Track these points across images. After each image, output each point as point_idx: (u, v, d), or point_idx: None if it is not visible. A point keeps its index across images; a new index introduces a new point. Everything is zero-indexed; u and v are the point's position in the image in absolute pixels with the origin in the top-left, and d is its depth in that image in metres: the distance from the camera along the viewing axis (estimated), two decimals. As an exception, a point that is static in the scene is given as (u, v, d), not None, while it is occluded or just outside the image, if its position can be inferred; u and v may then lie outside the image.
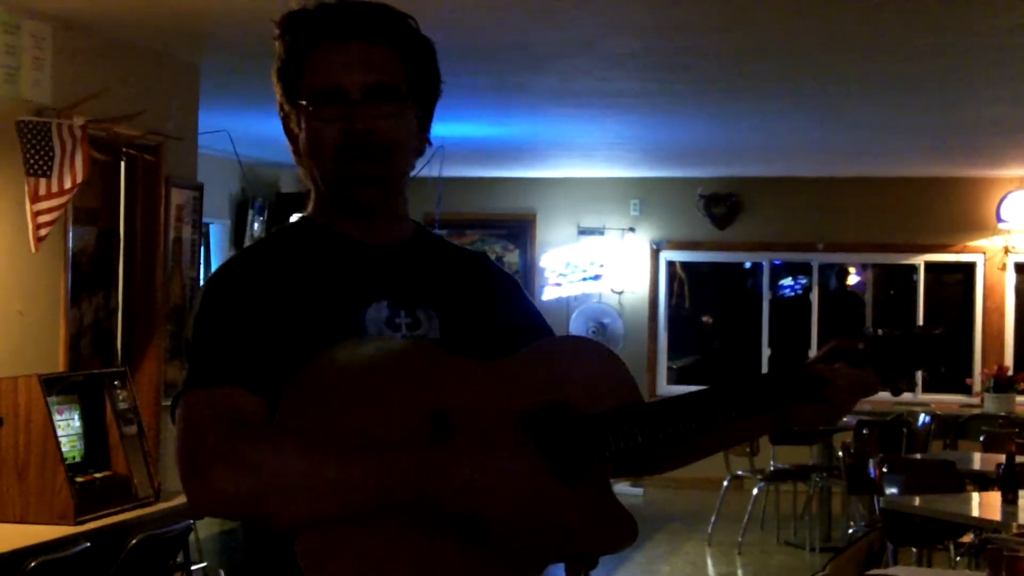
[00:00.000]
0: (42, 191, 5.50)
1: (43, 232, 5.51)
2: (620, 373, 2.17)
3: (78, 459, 5.22)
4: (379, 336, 2.04)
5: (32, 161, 5.49)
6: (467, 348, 2.07)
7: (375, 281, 2.10)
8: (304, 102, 2.09)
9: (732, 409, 2.16)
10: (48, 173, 5.50)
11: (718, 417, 2.15)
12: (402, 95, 2.12)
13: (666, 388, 13.34)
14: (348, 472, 1.87)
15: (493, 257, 11.62)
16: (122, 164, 6.43)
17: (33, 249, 5.50)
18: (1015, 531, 5.42)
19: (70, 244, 5.94)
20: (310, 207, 2.20)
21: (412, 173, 2.22)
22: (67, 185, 5.55)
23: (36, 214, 5.49)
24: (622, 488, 12.55)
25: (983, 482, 7.41)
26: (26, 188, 5.49)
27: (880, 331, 2.28)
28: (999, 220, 12.51)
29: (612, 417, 2.08)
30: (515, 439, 2.00)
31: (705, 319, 14.16)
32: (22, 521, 4.87)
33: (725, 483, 10.39)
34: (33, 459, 4.90)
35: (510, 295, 2.28)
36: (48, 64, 5.76)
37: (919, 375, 2.19)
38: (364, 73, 2.08)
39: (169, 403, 2.05)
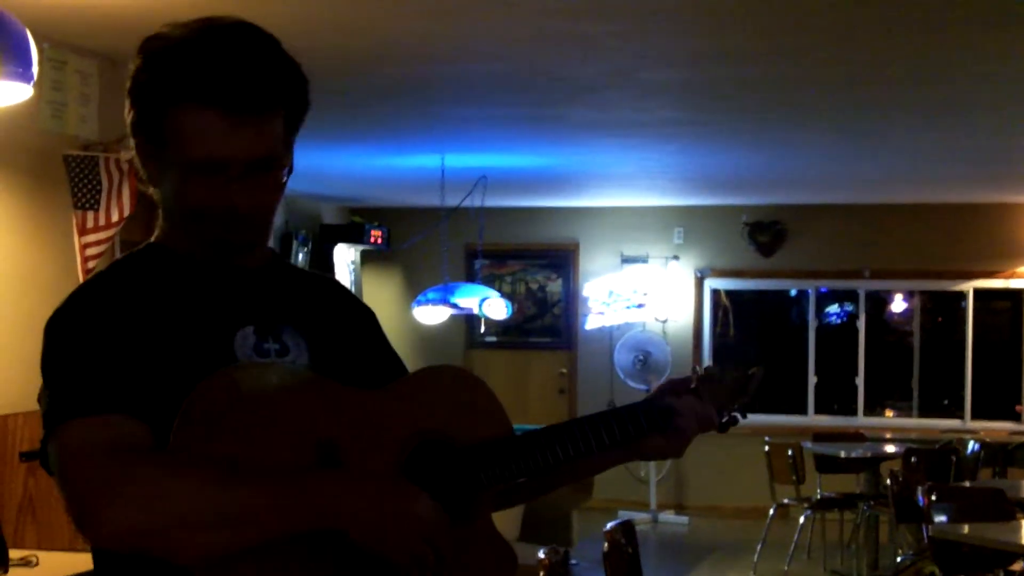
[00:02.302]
0: (90, 224, 5.55)
1: (91, 264, 5.56)
2: (493, 405, 2.16)
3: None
4: (261, 362, 1.97)
5: (80, 195, 5.54)
6: (336, 375, 2.02)
7: (240, 306, 2.03)
8: (173, 159, 1.94)
9: (598, 441, 2.18)
10: (96, 206, 5.55)
11: (583, 449, 2.16)
12: (281, 162, 1.99)
13: (711, 417, 13.29)
14: (250, 498, 1.78)
15: (535, 287, 11.60)
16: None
17: (81, 281, 5.55)
18: (1065, 559, 5.38)
19: (117, 277, 5.99)
20: (160, 231, 2.08)
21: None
22: (114, 218, 5.61)
23: (84, 247, 5.54)
24: (666, 517, 12.49)
25: (1033, 510, 7.35)
26: (74, 221, 5.54)
27: (704, 370, 2.39)
28: (1048, 246, 12.45)
29: (488, 449, 2.08)
30: (399, 471, 1.96)
31: (751, 347, 14.11)
32: (71, 549, 4.89)
33: (771, 511, 10.35)
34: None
35: (367, 324, 2.26)
36: (94, 100, 5.82)
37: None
38: (251, 148, 1.93)
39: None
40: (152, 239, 2.09)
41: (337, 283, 2.30)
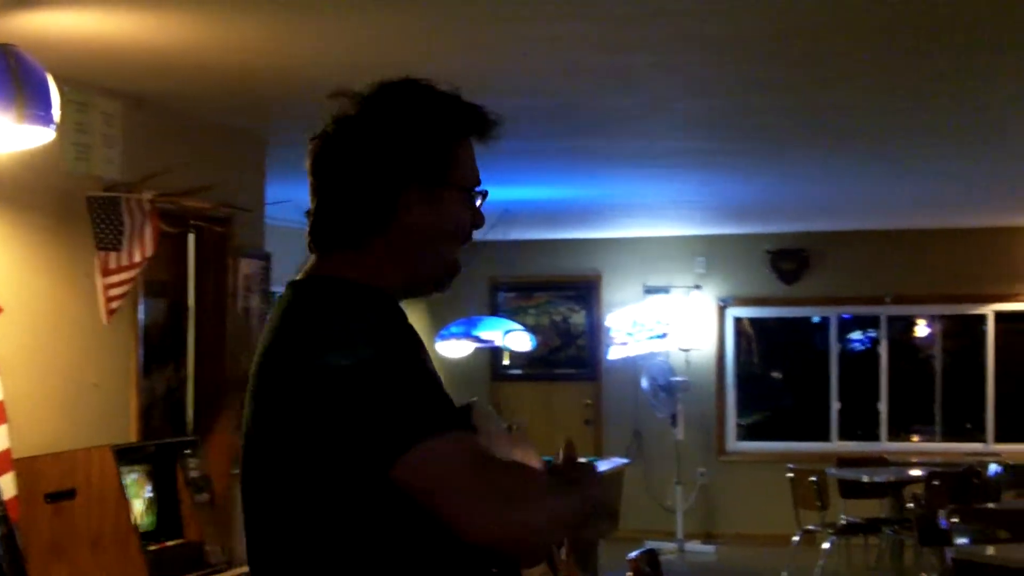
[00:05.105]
0: (112, 264, 5.60)
1: (114, 305, 5.61)
2: None
3: (151, 528, 5.31)
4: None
5: (102, 235, 5.59)
6: None
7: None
8: (456, 183, 2.25)
9: None
10: (118, 247, 5.60)
11: None
12: None
13: (735, 445, 13.31)
14: (576, 502, 2.16)
15: (559, 319, 11.63)
16: (190, 236, 6.54)
17: (105, 321, 5.60)
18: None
19: (141, 316, 6.04)
20: (376, 278, 2.27)
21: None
22: (137, 258, 5.65)
23: (107, 287, 5.59)
24: (693, 546, 12.47)
25: (1056, 532, 7.33)
26: (96, 262, 5.59)
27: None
28: (1068, 267, 12.44)
29: None
30: None
31: (774, 375, 14.11)
32: (97, 589, 4.94)
33: (795, 538, 10.34)
34: (107, 528, 4.97)
35: None
36: (119, 141, 5.87)
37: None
38: None
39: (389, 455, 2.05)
40: (354, 277, 2.28)
41: None
